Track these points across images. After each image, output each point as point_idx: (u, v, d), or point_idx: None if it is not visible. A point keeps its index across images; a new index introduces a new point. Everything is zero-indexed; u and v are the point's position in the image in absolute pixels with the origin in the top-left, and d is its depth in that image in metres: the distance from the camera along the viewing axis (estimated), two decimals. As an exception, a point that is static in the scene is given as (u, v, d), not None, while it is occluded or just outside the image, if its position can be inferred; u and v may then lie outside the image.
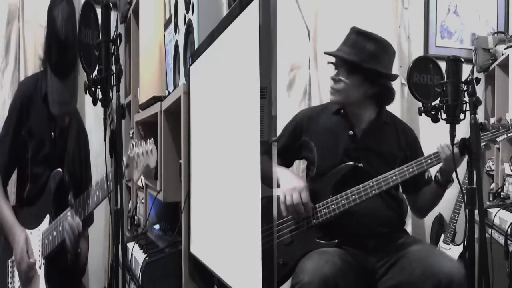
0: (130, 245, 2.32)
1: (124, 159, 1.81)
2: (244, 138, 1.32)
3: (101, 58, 1.41)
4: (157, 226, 2.56)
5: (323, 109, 2.17)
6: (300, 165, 2.89)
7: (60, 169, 2.11)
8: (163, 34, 2.69)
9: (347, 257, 1.89)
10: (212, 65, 1.65)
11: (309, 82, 3.18)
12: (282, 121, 2.18)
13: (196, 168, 1.93)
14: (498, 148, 3.05)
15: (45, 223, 2.07)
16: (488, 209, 2.68)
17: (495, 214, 2.56)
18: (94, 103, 1.44)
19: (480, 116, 3.20)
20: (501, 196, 2.87)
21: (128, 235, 2.77)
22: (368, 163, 2.01)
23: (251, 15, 1.24)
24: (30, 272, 2.01)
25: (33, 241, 2.06)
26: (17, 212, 2.12)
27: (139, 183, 2.90)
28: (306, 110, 2.33)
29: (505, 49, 3.19)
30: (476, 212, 1.55)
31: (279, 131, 2.14)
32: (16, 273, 2.06)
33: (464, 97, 1.58)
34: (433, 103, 1.64)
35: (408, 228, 2.83)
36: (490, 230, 2.56)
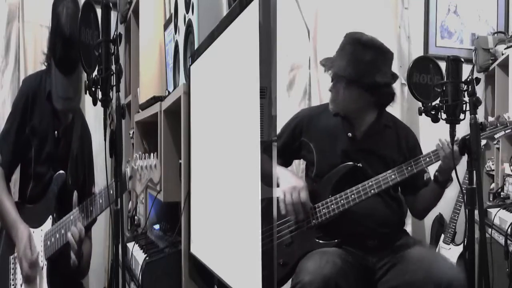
0: (130, 245, 2.32)
1: (128, 170, 1.82)
2: (244, 138, 1.32)
3: (101, 58, 1.41)
4: (157, 226, 2.56)
5: (323, 110, 2.16)
6: (300, 165, 2.89)
7: (63, 171, 2.11)
8: (163, 34, 2.69)
9: (347, 257, 1.90)
10: (212, 65, 1.65)
11: (309, 82, 3.18)
12: (282, 121, 2.18)
13: (196, 168, 1.93)
14: (498, 148, 3.05)
15: (48, 224, 2.07)
16: (488, 209, 2.68)
17: (495, 214, 2.56)
18: (94, 103, 1.44)
19: (480, 116, 3.20)
20: (501, 196, 2.87)
21: (128, 235, 2.77)
22: (367, 165, 2.01)
23: (251, 15, 1.24)
24: (33, 268, 2.00)
25: (36, 241, 2.06)
26: (20, 210, 2.12)
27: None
28: (307, 110, 2.33)
29: (505, 49, 3.19)
30: (476, 212, 1.55)
31: (278, 130, 2.14)
32: (18, 270, 2.06)
33: (464, 97, 1.58)
34: (433, 103, 1.64)
35: (408, 228, 2.83)
36: (490, 230, 2.56)
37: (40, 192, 2.13)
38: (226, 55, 1.50)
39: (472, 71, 3.26)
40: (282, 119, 2.17)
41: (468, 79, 1.58)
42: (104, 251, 3.53)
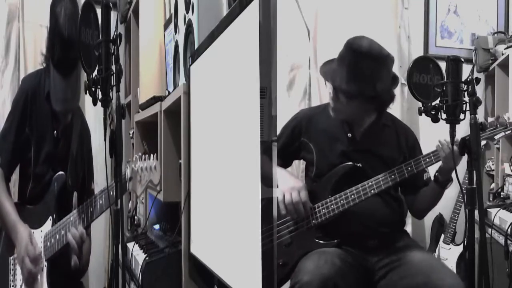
0: (130, 245, 2.32)
1: (128, 171, 1.82)
2: (244, 138, 1.32)
3: (101, 58, 1.41)
4: (157, 226, 2.56)
5: (323, 110, 2.16)
6: (300, 165, 2.89)
7: (63, 172, 2.11)
8: (163, 34, 2.69)
9: (346, 257, 1.90)
10: (212, 65, 1.65)
11: (309, 82, 3.18)
12: (282, 121, 2.18)
13: (196, 168, 1.93)
14: (498, 148, 3.05)
15: (48, 225, 2.06)
16: (488, 209, 2.68)
17: (495, 214, 2.56)
18: (94, 103, 1.44)
19: (480, 116, 3.21)
20: (501, 196, 2.87)
21: (128, 235, 2.77)
22: (367, 165, 2.01)
23: (251, 15, 1.24)
24: (36, 265, 1.99)
25: (36, 241, 2.06)
26: (19, 210, 2.12)
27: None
28: (306, 110, 2.33)
29: (505, 49, 3.19)
30: (476, 212, 1.55)
31: (278, 130, 2.14)
32: (18, 271, 2.06)
33: (464, 97, 1.58)
34: (433, 103, 1.64)
35: (408, 228, 2.83)
36: (490, 230, 2.56)
37: (40, 192, 2.13)
38: (226, 55, 1.50)
39: (472, 71, 3.27)
40: (282, 119, 2.17)
41: (468, 79, 1.58)
42: (104, 251, 3.53)
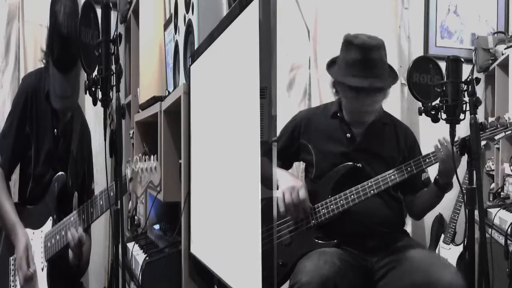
0: (130, 245, 2.32)
1: (128, 172, 1.82)
2: (244, 138, 1.32)
3: (101, 58, 1.41)
4: (157, 226, 2.56)
5: (322, 111, 2.16)
6: (300, 165, 2.89)
7: (63, 173, 2.11)
8: (163, 34, 2.69)
9: (346, 257, 1.89)
10: (212, 65, 1.65)
11: (309, 82, 3.18)
12: (282, 121, 2.18)
13: (196, 168, 1.93)
14: (498, 148, 3.05)
15: (48, 226, 2.06)
16: (488, 209, 2.68)
17: (495, 214, 2.56)
18: (94, 103, 1.44)
19: (480, 116, 3.20)
20: (501, 196, 2.87)
21: (128, 235, 2.78)
22: (367, 165, 2.01)
23: (251, 15, 1.24)
24: (29, 280, 1.99)
25: (36, 242, 2.06)
26: (20, 211, 2.11)
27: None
28: (305, 112, 2.32)
29: (505, 49, 3.19)
30: (476, 212, 1.55)
31: (278, 131, 2.13)
32: (17, 272, 2.06)
33: (464, 97, 1.58)
34: (433, 103, 1.64)
35: (408, 228, 2.82)
36: (490, 230, 2.56)
37: (40, 192, 2.12)
38: (226, 55, 1.50)
39: (472, 71, 3.27)
40: (282, 119, 2.17)
41: (468, 79, 1.58)
42: (104, 251, 3.53)
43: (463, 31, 3.54)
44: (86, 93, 1.43)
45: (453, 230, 3.13)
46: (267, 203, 1.20)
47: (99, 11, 1.45)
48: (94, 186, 2.32)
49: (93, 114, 3.23)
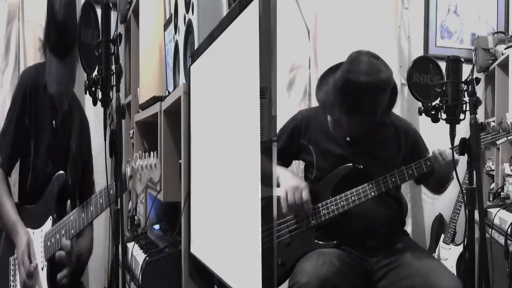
0: (130, 245, 2.32)
1: (128, 170, 1.82)
2: (244, 138, 1.32)
3: (101, 58, 1.41)
4: (157, 226, 2.56)
5: (322, 111, 2.16)
6: (300, 165, 2.89)
7: (63, 172, 2.11)
8: (163, 34, 2.69)
9: (345, 257, 1.89)
10: (212, 65, 1.65)
11: (309, 82, 3.18)
12: (282, 121, 2.18)
13: (196, 168, 1.93)
14: (498, 149, 3.05)
15: (48, 225, 2.07)
16: (488, 209, 2.68)
17: (495, 214, 2.56)
18: (94, 103, 1.44)
19: (480, 116, 3.21)
20: (501, 196, 2.87)
21: (128, 235, 2.77)
22: (367, 166, 2.00)
23: (251, 15, 1.24)
24: (30, 278, 2.00)
25: (36, 241, 2.06)
26: (20, 211, 2.12)
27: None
28: (305, 112, 2.31)
29: (505, 49, 3.19)
30: (476, 212, 1.55)
31: (277, 131, 2.13)
32: (18, 272, 2.06)
33: (464, 97, 1.58)
34: (433, 103, 1.64)
35: (408, 228, 2.83)
36: (490, 230, 2.56)
37: (40, 187, 2.13)
38: (226, 55, 1.50)
39: (472, 71, 3.27)
40: (282, 119, 2.17)
41: (468, 79, 1.58)
42: (104, 251, 3.53)
43: (463, 31, 3.54)
44: (86, 93, 1.43)
45: (453, 230, 3.13)
46: (267, 202, 1.20)
47: (99, 11, 1.45)
48: (94, 178, 2.33)
49: (93, 114, 3.22)
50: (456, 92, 1.57)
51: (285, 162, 2.19)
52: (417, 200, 3.29)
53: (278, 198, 1.96)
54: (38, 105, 2.14)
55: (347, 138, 2.04)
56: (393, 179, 1.93)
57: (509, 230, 2.35)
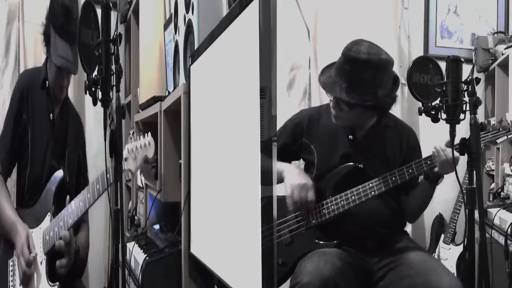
0: (130, 245, 2.32)
1: (124, 152, 1.84)
2: (244, 138, 1.32)
3: (101, 58, 1.41)
4: (157, 226, 2.55)
5: (324, 110, 2.16)
6: (300, 165, 2.88)
7: (61, 170, 2.13)
8: (163, 34, 2.69)
9: (346, 257, 1.89)
10: (212, 65, 1.65)
11: (309, 82, 3.18)
12: (282, 121, 2.18)
13: (196, 168, 1.93)
14: (498, 148, 3.05)
15: (46, 222, 2.08)
16: (488, 209, 2.69)
17: (495, 214, 2.56)
18: (94, 103, 1.44)
19: (480, 116, 3.21)
20: (501, 196, 2.87)
21: (128, 235, 2.77)
22: (368, 166, 2.00)
23: (251, 15, 1.24)
24: (30, 267, 2.01)
25: (35, 238, 2.07)
26: (19, 214, 2.13)
27: (139, 183, 2.90)
28: (307, 111, 2.31)
29: (505, 49, 3.19)
30: (476, 212, 1.55)
31: (278, 129, 2.13)
32: (17, 273, 2.06)
33: (464, 97, 1.58)
34: (433, 103, 1.63)
35: (408, 228, 2.82)
36: (490, 230, 2.57)
37: (38, 182, 2.15)
38: (226, 55, 1.50)
39: (472, 71, 3.27)
40: (282, 119, 2.17)
41: (468, 79, 1.58)
42: (104, 251, 3.53)
43: (463, 31, 3.55)
44: (86, 93, 1.43)
45: (453, 230, 3.14)
46: (267, 202, 1.20)
47: (99, 11, 1.45)
48: (88, 174, 2.39)
49: (93, 114, 3.24)
50: (456, 92, 1.57)
51: (285, 161, 2.19)
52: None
53: (283, 197, 1.95)
54: (36, 100, 2.20)
55: (350, 137, 2.04)
56: (394, 178, 1.93)
57: (509, 230, 2.35)
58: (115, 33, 1.41)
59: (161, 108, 2.34)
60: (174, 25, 2.37)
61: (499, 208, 2.61)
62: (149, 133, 1.87)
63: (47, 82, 2.18)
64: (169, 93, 2.44)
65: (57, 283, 2.01)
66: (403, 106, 3.20)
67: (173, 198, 2.24)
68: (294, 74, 3.18)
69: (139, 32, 3.06)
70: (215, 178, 1.64)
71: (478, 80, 1.59)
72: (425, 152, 2.04)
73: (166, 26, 2.63)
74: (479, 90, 3.19)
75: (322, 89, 2.06)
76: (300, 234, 2.00)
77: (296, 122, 2.15)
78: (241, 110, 1.34)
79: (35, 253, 2.03)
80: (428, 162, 1.91)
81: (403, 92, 3.16)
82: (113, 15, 1.68)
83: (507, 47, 3.17)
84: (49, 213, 2.08)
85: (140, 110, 2.93)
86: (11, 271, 2.09)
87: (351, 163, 2.01)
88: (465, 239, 1.60)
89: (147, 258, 2.04)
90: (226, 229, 1.52)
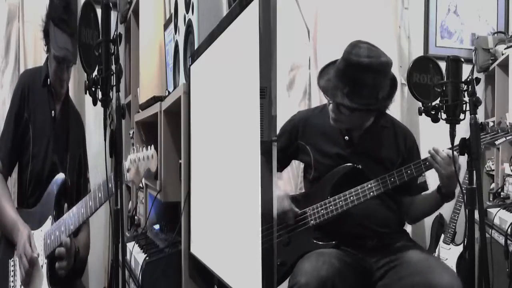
0: (130, 245, 2.32)
1: (126, 163, 1.84)
2: (244, 138, 1.32)
3: (101, 58, 1.41)
4: (157, 226, 2.55)
5: (320, 111, 2.16)
6: (299, 165, 2.89)
7: (62, 173, 2.13)
8: (163, 34, 2.69)
9: (345, 258, 1.89)
10: (212, 65, 1.65)
11: (309, 82, 3.18)
12: (282, 121, 2.18)
13: (196, 168, 1.93)
14: (498, 149, 3.06)
15: (48, 224, 2.07)
16: (488, 209, 2.69)
17: (495, 214, 2.56)
18: (94, 103, 1.44)
19: (480, 116, 3.21)
20: (501, 196, 2.87)
21: (128, 235, 2.77)
22: (366, 167, 2.00)
23: (251, 15, 1.24)
24: (32, 266, 2.01)
25: (36, 240, 2.07)
26: (20, 215, 2.13)
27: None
28: (303, 113, 2.29)
29: (505, 49, 3.19)
30: (476, 212, 1.55)
31: (277, 131, 2.13)
32: (17, 273, 2.06)
33: (464, 97, 1.58)
34: (433, 103, 1.63)
35: (408, 228, 2.82)
36: (490, 230, 2.57)
37: (38, 182, 2.15)
38: (226, 55, 1.50)
39: (472, 71, 3.25)
40: (282, 119, 2.17)
41: (468, 79, 1.58)
42: (104, 251, 3.53)
43: (463, 31, 3.55)
44: (86, 93, 1.43)
45: (453, 230, 3.14)
46: (267, 202, 1.20)
47: (99, 11, 1.45)
48: (89, 175, 2.40)
49: (93, 114, 3.24)
50: (456, 92, 1.57)
51: (282, 164, 2.20)
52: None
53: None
54: (37, 98, 2.21)
55: (346, 137, 2.04)
56: (392, 179, 1.93)
57: (509, 230, 2.35)
58: (115, 33, 1.41)
59: (161, 108, 2.34)
60: (174, 25, 2.37)
61: (499, 208, 2.61)
62: (152, 145, 1.87)
63: (48, 79, 2.19)
64: (169, 93, 2.44)
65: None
66: (403, 106, 3.20)
67: (173, 198, 2.24)
68: (294, 74, 3.18)
69: (139, 32, 3.06)
70: (215, 178, 1.64)
71: (478, 80, 1.58)
72: (425, 152, 2.04)
73: (166, 26, 2.63)
74: (479, 90, 3.19)
75: (321, 90, 2.06)
76: (299, 235, 2.00)
77: (291, 124, 2.15)
78: (241, 110, 1.34)
79: (37, 253, 2.03)
80: (427, 163, 1.91)
81: (403, 92, 3.16)
82: (113, 15, 1.68)
83: (507, 47, 3.18)
84: (50, 216, 2.08)
85: (140, 110, 2.93)
86: (12, 271, 2.09)
87: (349, 164, 2.00)
88: (465, 239, 1.60)
89: (147, 258, 2.04)
90: (226, 229, 1.52)
